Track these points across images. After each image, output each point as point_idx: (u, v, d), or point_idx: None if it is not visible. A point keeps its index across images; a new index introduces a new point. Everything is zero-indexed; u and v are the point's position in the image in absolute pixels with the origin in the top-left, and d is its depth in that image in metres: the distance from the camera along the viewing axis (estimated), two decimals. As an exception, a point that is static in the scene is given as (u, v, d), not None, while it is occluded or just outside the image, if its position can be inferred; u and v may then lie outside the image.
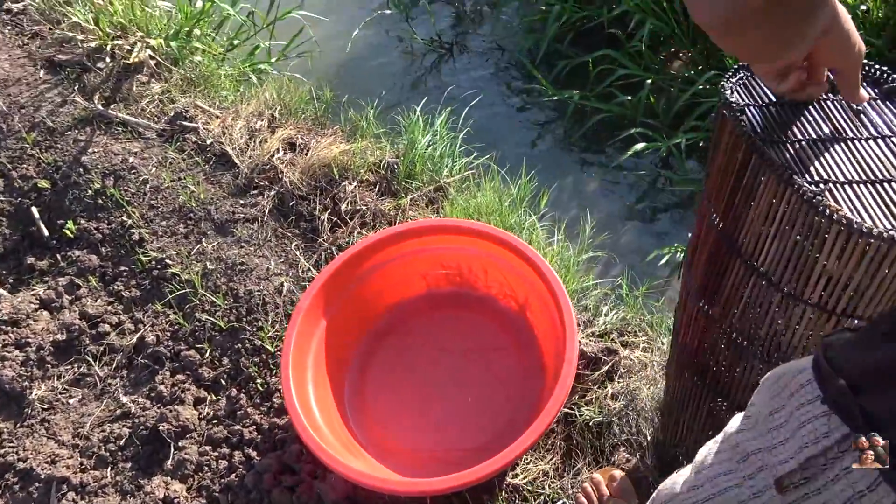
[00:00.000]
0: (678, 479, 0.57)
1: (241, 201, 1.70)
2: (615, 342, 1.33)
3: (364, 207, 1.61)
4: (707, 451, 0.53)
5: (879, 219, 0.63)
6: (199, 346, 1.45)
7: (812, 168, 0.67)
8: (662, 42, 2.33)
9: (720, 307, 0.81)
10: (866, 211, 0.63)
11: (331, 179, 1.68)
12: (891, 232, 0.59)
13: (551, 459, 1.21)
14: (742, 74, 0.79)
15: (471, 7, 2.84)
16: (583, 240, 1.52)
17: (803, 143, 0.70)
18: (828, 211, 0.61)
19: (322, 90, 2.00)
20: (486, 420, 1.27)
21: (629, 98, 2.19)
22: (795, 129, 0.72)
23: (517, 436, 1.21)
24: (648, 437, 1.20)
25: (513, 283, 1.35)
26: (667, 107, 2.17)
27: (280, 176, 1.72)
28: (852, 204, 0.63)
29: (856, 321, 0.69)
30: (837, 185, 0.65)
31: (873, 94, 0.77)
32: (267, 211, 1.66)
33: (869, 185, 0.65)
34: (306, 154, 1.75)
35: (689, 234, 0.91)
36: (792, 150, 0.69)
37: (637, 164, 2.11)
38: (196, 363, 1.43)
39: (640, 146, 2.04)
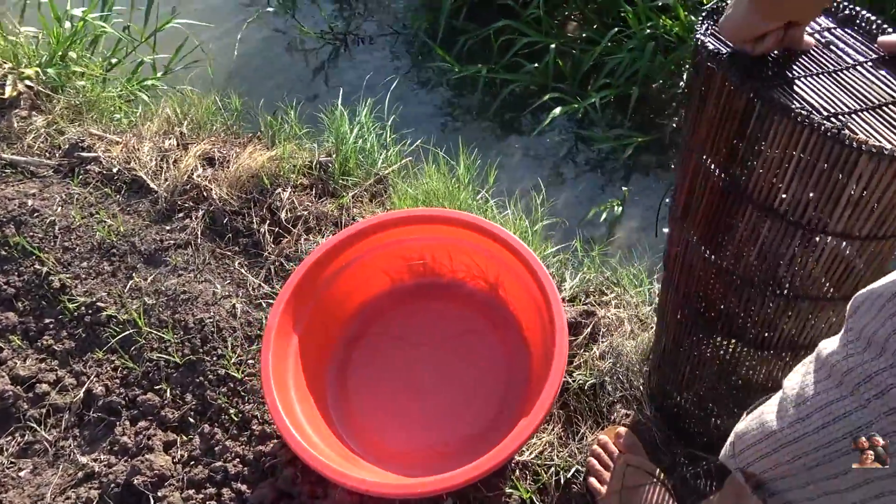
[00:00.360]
0: (765, 417, 0.57)
1: (168, 227, 1.58)
2: (593, 304, 1.35)
3: (305, 212, 1.54)
4: (801, 383, 0.54)
5: (894, 141, 0.65)
6: (157, 387, 1.34)
7: (816, 104, 0.68)
8: (556, 6, 2.37)
9: (732, 254, 0.82)
10: (881, 135, 0.65)
11: (262, 189, 1.59)
12: None
13: (553, 430, 1.21)
14: (707, 24, 0.79)
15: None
16: (535, 207, 1.53)
17: (796, 81, 0.71)
18: (855, 143, 0.63)
19: (227, 99, 1.89)
20: (479, 405, 1.26)
21: (536, 65, 2.22)
22: (779, 69, 0.73)
23: (515, 414, 1.20)
24: (641, 390, 1.22)
25: (481, 264, 1.34)
26: (573, 69, 2.21)
27: (205, 194, 1.61)
28: (865, 132, 0.65)
29: (878, 244, 0.72)
30: (845, 117, 0.67)
31: (831, 24, 0.80)
32: (199, 233, 1.55)
33: (870, 112, 0.67)
34: (228, 167, 1.65)
35: (673, 186, 0.92)
36: (789, 90, 0.70)
37: (557, 129, 2.14)
38: (157, 406, 1.32)
39: (557, 111, 2.07)
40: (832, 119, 0.67)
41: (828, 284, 0.79)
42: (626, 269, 1.49)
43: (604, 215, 1.83)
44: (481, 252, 1.32)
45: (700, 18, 0.80)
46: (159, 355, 1.36)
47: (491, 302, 1.37)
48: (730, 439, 0.63)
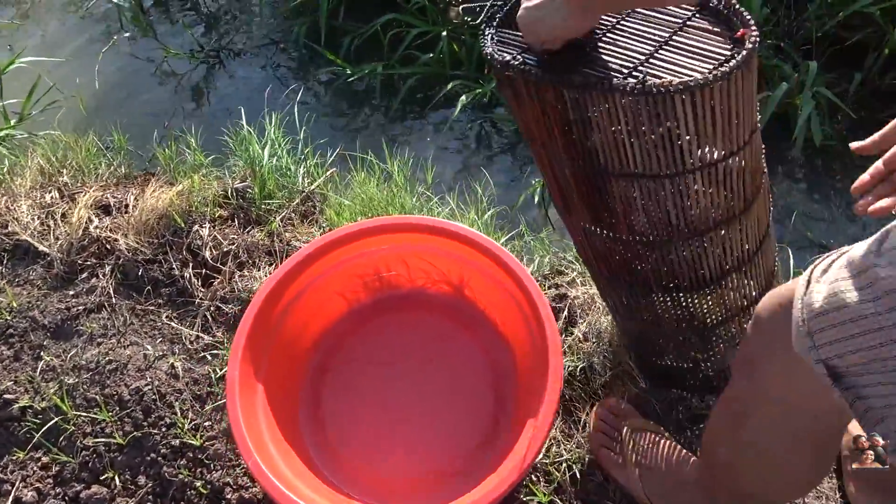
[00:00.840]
0: (859, 309, 0.50)
1: (71, 292, 1.38)
2: (560, 286, 1.30)
3: (232, 246, 1.38)
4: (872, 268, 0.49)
5: (693, 73, 0.70)
6: (102, 476, 1.15)
7: (615, 65, 0.72)
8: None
9: (624, 225, 0.83)
10: (683, 66, 0.70)
11: (176, 230, 1.42)
12: (718, 70, 0.66)
13: (553, 424, 1.16)
14: (488, 35, 0.81)
15: (218, 9, 2.57)
16: (480, 199, 1.46)
17: (589, 51, 0.75)
18: (661, 88, 0.65)
19: (109, 137, 1.68)
20: (472, 410, 1.18)
21: (431, 55, 2.15)
22: (571, 47, 0.76)
23: (515, 411, 1.14)
24: (630, 363, 1.19)
25: (441, 267, 1.25)
26: (468, 54, 2.16)
27: (109, 246, 1.42)
28: (669, 70, 0.70)
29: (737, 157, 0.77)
30: (644, 66, 0.71)
31: None
32: (111, 291, 1.36)
33: (664, 48, 0.73)
34: (130, 212, 1.46)
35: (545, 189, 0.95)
36: (587, 63, 0.74)
37: (466, 117, 2.09)
38: (106, 498, 1.14)
39: (463, 98, 2.01)
40: (633, 74, 0.70)
41: (722, 206, 0.81)
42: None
43: (536, 196, 1.80)
44: (440, 254, 1.23)
45: (482, 29, 0.82)
46: (96, 440, 1.17)
47: (457, 304, 1.29)
48: (803, 328, 0.56)
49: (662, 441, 1.06)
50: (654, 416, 1.14)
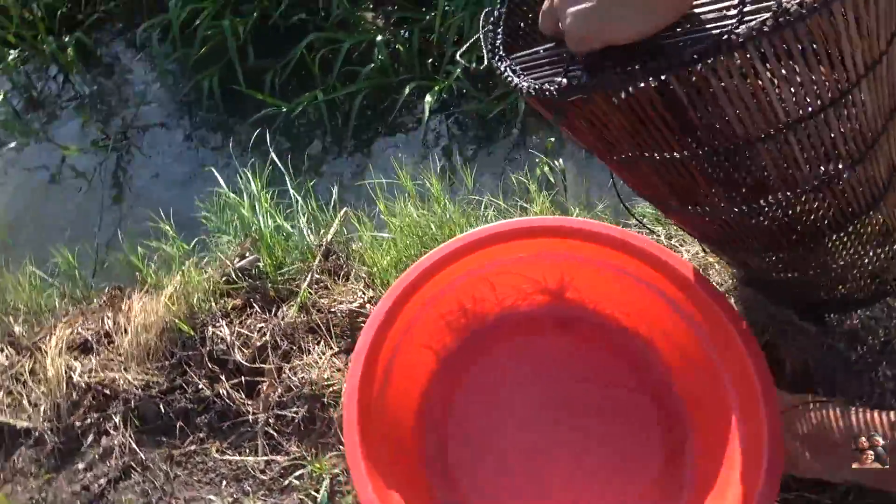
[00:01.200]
0: None
1: (81, 465, 1.07)
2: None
3: (266, 337, 1.10)
4: None
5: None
6: None
7: (712, 16, 0.57)
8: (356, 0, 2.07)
9: (782, 184, 0.69)
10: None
11: (185, 342, 1.13)
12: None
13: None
14: (504, 68, 0.67)
15: (104, 90, 2.23)
16: (527, 189, 1.24)
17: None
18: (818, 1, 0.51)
19: (53, 261, 1.36)
20: (630, 436, 0.97)
21: (372, 66, 1.92)
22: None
23: (691, 424, 0.94)
24: (789, 312, 1.00)
25: (534, 275, 1.03)
26: (408, 53, 1.95)
27: (108, 391, 1.11)
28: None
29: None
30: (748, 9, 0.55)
31: None
32: (132, 445, 1.06)
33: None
34: (118, 340, 1.16)
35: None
36: (661, 42, 0.58)
37: (436, 117, 1.87)
38: None
39: (428, 98, 1.79)
40: (747, 16, 0.54)
41: (886, 102, 0.67)
42: (638, 206, 1.27)
43: (549, 175, 1.60)
44: (533, 258, 1.01)
45: (496, 66, 0.67)
46: None
47: (559, 312, 1.07)
48: None
49: (816, 411, 0.87)
50: (836, 359, 0.96)
